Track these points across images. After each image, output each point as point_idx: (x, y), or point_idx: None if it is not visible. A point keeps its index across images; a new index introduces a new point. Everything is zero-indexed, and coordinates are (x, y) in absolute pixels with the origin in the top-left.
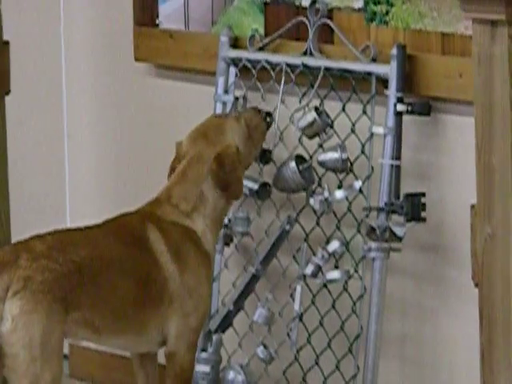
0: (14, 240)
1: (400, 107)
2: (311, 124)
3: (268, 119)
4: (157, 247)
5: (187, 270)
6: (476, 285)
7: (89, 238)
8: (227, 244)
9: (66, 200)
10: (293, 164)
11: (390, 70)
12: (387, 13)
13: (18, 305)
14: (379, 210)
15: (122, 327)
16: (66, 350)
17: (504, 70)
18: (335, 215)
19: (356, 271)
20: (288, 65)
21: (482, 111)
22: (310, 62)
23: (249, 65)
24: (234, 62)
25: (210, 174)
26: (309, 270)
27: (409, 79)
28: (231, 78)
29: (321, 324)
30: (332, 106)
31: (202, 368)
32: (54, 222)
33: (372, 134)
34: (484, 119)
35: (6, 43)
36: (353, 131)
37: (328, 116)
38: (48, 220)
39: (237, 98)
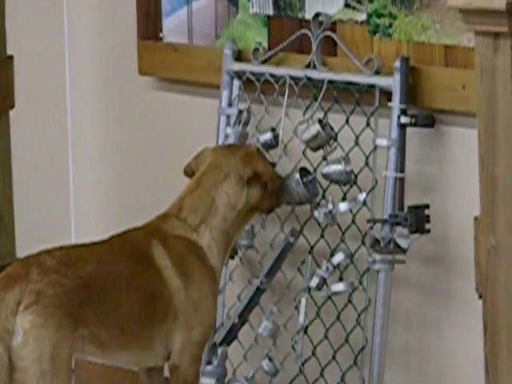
0: (19, 255)
1: (403, 119)
2: (315, 136)
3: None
4: (161, 262)
5: (192, 284)
6: (480, 296)
7: (95, 254)
8: (232, 257)
9: (70, 214)
10: (297, 176)
11: (393, 83)
12: (390, 25)
13: (29, 319)
14: (383, 222)
15: (128, 342)
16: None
17: (507, 82)
18: (339, 227)
19: (360, 283)
20: (292, 77)
21: (485, 123)
22: (314, 74)
23: (252, 78)
24: (238, 75)
25: (243, 176)
26: (313, 282)
27: (412, 91)
28: (235, 91)
29: (326, 336)
30: (336, 119)
31: (207, 381)
32: (59, 235)
33: (376, 147)
34: (487, 131)
35: (10, 57)
36: (357, 143)
37: (332, 128)
38: (53, 234)
39: (241, 111)
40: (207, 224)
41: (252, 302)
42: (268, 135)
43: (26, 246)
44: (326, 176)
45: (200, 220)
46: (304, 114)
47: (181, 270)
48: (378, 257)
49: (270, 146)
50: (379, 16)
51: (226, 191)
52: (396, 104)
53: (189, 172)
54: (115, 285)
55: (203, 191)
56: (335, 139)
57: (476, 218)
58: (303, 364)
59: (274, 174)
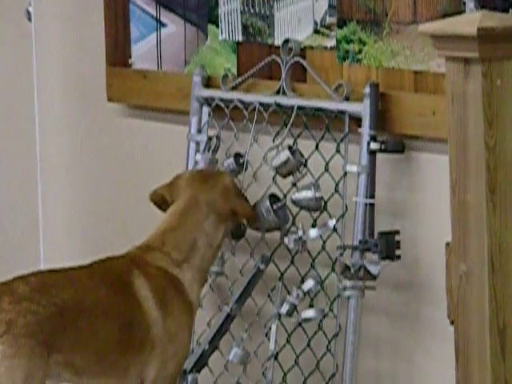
0: None
1: (373, 145)
2: (285, 163)
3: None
4: (141, 293)
5: (170, 316)
6: (451, 322)
7: (73, 280)
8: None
9: (39, 244)
10: (267, 203)
11: (363, 109)
12: (360, 51)
13: (0, 349)
14: (353, 248)
15: (104, 370)
16: None
17: (477, 108)
18: (310, 254)
19: (331, 310)
20: (261, 104)
21: (457, 149)
22: (283, 100)
23: (222, 104)
24: (207, 101)
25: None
26: (284, 309)
27: (382, 117)
28: (204, 118)
29: (296, 363)
30: (305, 145)
31: None
32: (28, 266)
33: (346, 173)
34: (458, 157)
35: None
36: (326, 170)
37: (301, 155)
38: (21, 264)
39: (210, 138)
40: (190, 263)
41: (222, 329)
42: (229, 161)
43: None
44: (295, 202)
45: (183, 258)
46: (274, 141)
47: (161, 301)
48: (348, 283)
49: (233, 171)
50: (349, 42)
51: (206, 232)
52: (366, 130)
53: (157, 199)
54: (92, 312)
55: (186, 231)
56: (305, 165)
57: (448, 244)
58: None
59: (249, 209)
